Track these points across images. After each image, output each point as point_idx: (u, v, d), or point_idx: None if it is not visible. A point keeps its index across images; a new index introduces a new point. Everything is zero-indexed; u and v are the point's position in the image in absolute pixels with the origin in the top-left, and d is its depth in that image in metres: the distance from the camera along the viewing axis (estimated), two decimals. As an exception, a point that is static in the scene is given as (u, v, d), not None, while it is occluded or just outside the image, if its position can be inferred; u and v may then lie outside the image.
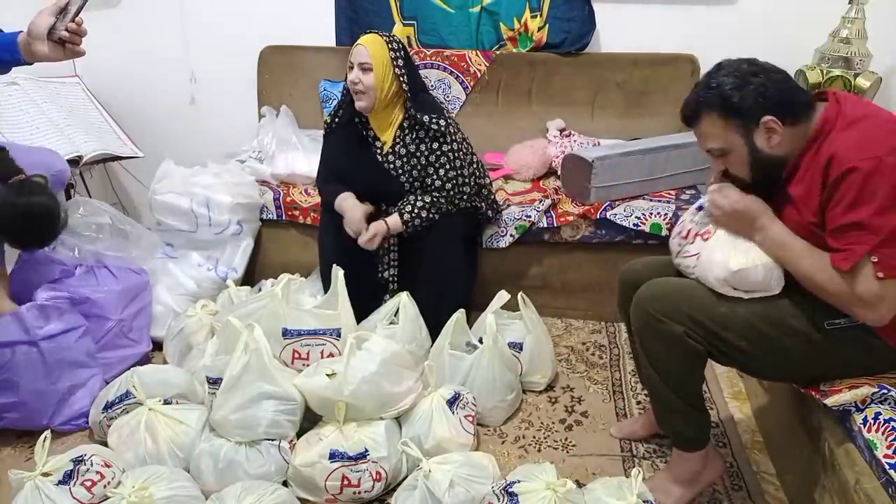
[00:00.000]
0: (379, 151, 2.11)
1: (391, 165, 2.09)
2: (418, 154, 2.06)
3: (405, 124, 2.06)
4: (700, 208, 1.52)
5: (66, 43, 1.44)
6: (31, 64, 1.76)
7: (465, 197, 2.11)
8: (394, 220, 2.05)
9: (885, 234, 1.21)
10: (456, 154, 2.06)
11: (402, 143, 2.07)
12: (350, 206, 2.07)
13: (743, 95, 1.31)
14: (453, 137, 2.06)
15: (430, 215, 2.05)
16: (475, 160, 2.20)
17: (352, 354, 1.70)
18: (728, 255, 1.39)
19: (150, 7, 3.00)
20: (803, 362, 1.39)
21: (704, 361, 1.45)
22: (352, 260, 2.05)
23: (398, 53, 2.01)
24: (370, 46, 1.97)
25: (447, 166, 2.05)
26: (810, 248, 1.32)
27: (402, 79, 2.00)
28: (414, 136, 2.05)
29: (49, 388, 1.84)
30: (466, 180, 2.10)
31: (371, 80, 1.97)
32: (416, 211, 2.04)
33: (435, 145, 2.03)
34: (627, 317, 1.59)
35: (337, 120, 2.15)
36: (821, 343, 1.35)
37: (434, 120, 2.02)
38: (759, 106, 1.30)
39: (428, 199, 2.05)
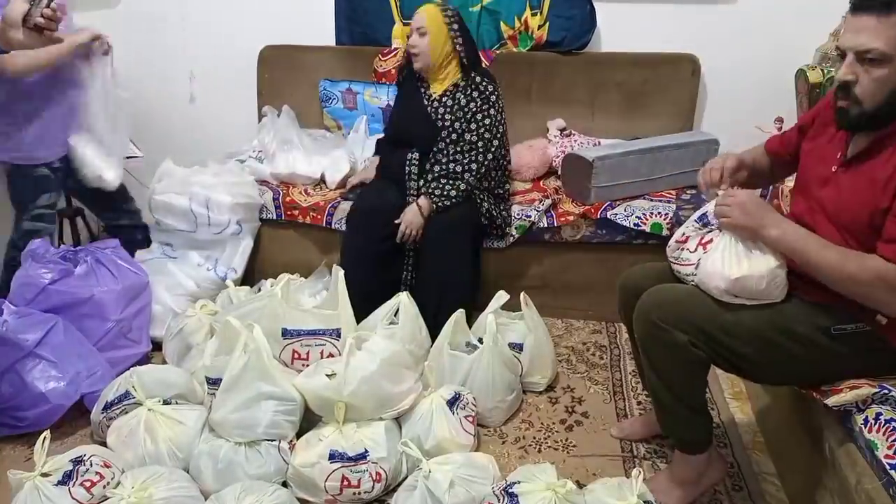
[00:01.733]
0: (426, 98, 2.26)
1: (434, 111, 2.24)
2: (465, 109, 2.19)
3: (461, 84, 2.22)
4: (702, 217, 1.50)
5: (42, 30, 1.43)
6: (7, 52, 1.75)
7: (478, 167, 2.17)
8: (424, 202, 2.14)
9: None
10: (494, 124, 2.20)
11: (450, 96, 2.22)
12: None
13: None
14: (499, 109, 2.22)
15: (456, 188, 2.15)
16: (506, 144, 2.32)
17: (351, 354, 1.69)
18: (728, 264, 1.37)
19: (149, 7, 3.00)
20: (809, 367, 1.38)
21: (708, 368, 1.45)
22: (376, 266, 2.14)
23: (452, 19, 2.20)
24: (427, 12, 2.19)
25: (484, 126, 2.18)
26: (826, 242, 1.29)
27: (456, 41, 2.18)
28: (468, 94, 2.20)
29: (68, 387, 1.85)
30: (492, 149, 2.20)
31: (426, 43, 2.16)
32: (442, 189, 2.15)
33: (485, 106, 2.18)
34: (628, 321, 1.59)
35: (401, 78, 2.38)
36: (827, 348, 1.35)
37: (490, 85, 2.20)
38: None
39: (444, 173, 2.17)
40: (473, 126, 2.18)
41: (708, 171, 1.53)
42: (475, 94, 2.19)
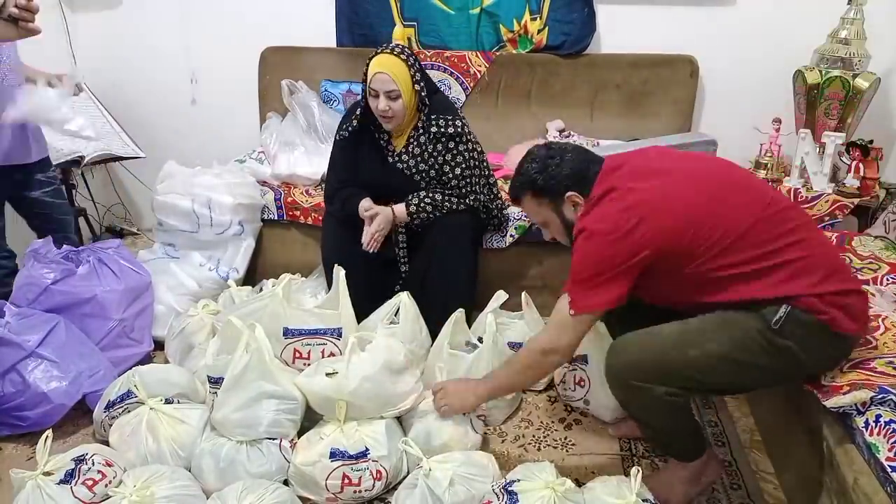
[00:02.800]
0: (391, 153, 2.13)
1: (404, 165, 2.11)
2: (434, 153, 2.08)
3: (420, 126, 2.09)
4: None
5: (18, 21, 1.41)
6: None
7: (477, 197, 2.13)
8: (399, 209, 2.09)
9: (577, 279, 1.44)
10: (471, 154, 2.10)
11: (415, 143, 2.09)
12: (376, 207, 2.09)
13: (545, 177, 1.54)
14: (468, 138, 2.10)
15: (437, 210, 2.08)
16: (485, 160, 2.22)
17: (354, 353, 1.70)
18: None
19: (151, 8, 3.01)
20: (780, 366, 1.41)
21: (690, 403, 1.56)
22: (357, 259, 2.07)
23: (414, 67, 2.01)
24: (393, 72, 1.95)
25: (462, 165, 2.08)
26: (502, 369, 1.70)
27: (421, 92, 2.02)
28: (429, 136, 2.07)
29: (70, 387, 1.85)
30: (478, 180, 2.14)
31: (400, 105, 1.99)
32: (422, 204, 2.08)
33: (451, 145, 2.07)
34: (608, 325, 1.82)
35: (350, 130, 2.13)
36: (783, 347, 1.36)
37: (451, 122, 2.06)
38: (560, 184, 1.53)
39: (438, 196, 2.09)
40: (448, 169, 2.08)
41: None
42: (438, 133, 2.05)
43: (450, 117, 2.06)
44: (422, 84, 2.03)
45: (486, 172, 2.21)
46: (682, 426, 1.53)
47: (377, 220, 2.07)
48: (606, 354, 1.52)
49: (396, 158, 2.12)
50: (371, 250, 2.09)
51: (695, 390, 1.48)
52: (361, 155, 2.16)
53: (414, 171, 2.11)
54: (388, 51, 2.00)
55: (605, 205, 1.44)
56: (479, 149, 2.16)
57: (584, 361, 1.92)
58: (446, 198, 2.10)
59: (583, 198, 1.51)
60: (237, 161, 2.70)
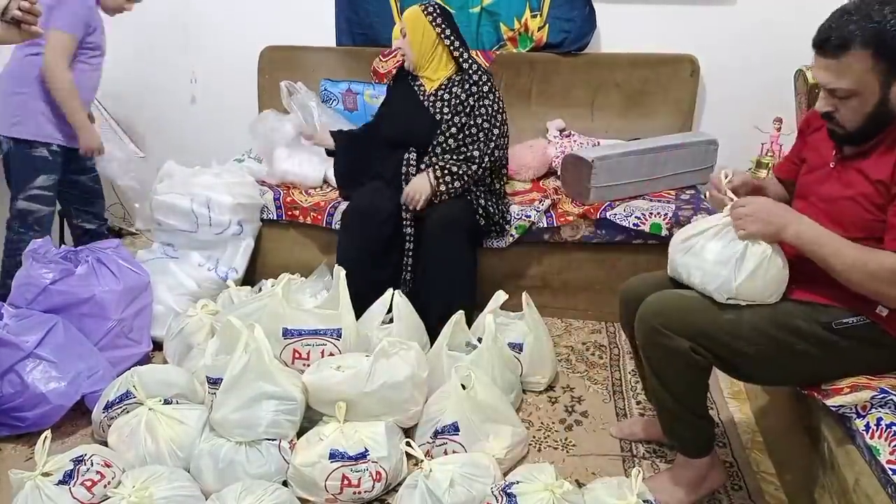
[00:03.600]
0: (422, 94, 2.29)
1: (432, 105, 2.26)
2: (463, 101, 2.21)
3: (455, 77, 2.26)
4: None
5: (20, 23, 1.41)
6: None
7: (480, 156, 2.17)
8: (431, 174, 2.16)
9: None
10: (494, 112, 2.22)
11: (447, 90, 2.25)
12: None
13: None
14: (496, 98, 2.24)
15: (459, 180, 2.15)
16: (506, 130, 2.30)
17: (382, 356, 1.72)
18: (729, 271, 1.37)
19: (151, 7, 3.00)
20: (811, 364, 1.39)
21: (709, 373, 1.46)
22: (372, 264, 2.14)
23: (434, 14, 2.23)
24: (407, 15, 2.25)
25: (484, 116, 2.20)
26: (843, 240, 1.30)
27: (442, 35, 2.22)
28: (463, 87, 2.22)
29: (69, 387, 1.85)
30: (489, 143, 2.20)
31: (407, 42, 2.24)
32: (445, 171, 2.14)
33: (479, 95, 2.20)
34: (629, 329, 1.60)
35: (393, 80, 2.42)
36: (830, 344, 1.35)
37: (481, 75, 2.23)
38: None
39: (450, 163, 2.15)
40: (473, 118, 2.19)
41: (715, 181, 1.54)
42: (471, 87, 2.20)
43: (485, 75, 2.24)
44: (448, 31, 2.23)
45: (503, 142, 2.28)
46: (694, 400, 1.48)
47: (413, 183, 2.16)
48: (640, 306, 1.47)
49: (425, 98, 2.28)
50: (415, 207, 2.15)
51: (718, 357, 1.40)
52: (396, 98, 2.39)
53: (438, 111, 2.24)
54: (418, 4, 2.26)
55: None
56: (501, 119, 2.25)
57: (455, 430, 1.71)
58: (462, 164, 2.15)
59: None
60: (236, 160, 2.70)
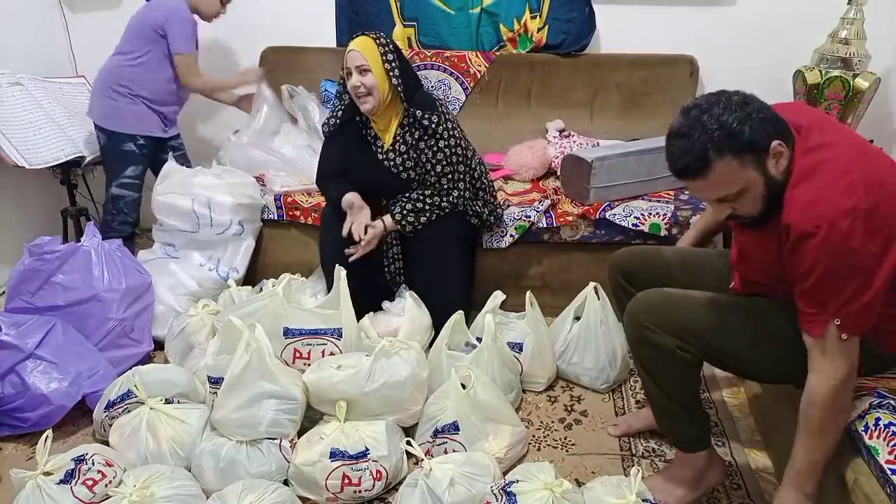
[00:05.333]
0: (380, 150, 2.12)
1: (391, 163, 2.11)
2: (417, 150, 2.08)
3: (404, 122, 2.08)
4: None
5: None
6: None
7: (461, 193, 2.11)
8: (388, 220, 2.09)
9: (845, 297, 1.19)
10: (452, 150, 2.08)
11: (401, 141, 2.09)
12: (360, 204, 2.10)
13: (751, 126, 1.20)
14: (450, 133, 2.07)
15: (423, 215, 2.07)
16: (475, 159, 2.20)
17: (383, 355, 1.72)
18: None
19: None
20: (799, 364, 1.39)
21: (699, 368, 1.48)
22: (354, 261, 2.06)
23: (387, 48, 2.02)
24: (361, 48, 1.99)
25: (443, 162, 2.07)
26: (801, 447, 1.33)
27: (391, 73, 2.01)
28: (413, 132, 2.07)
29: (70, 388, 1.86)
30: (462, 176, 2.11)
31: (371, 80, 1.99)
32: (404, 212, 2.07)
33: (431, 142, 2.06)
34: (616, 297, 1.78)
35: (336, 121, 2.15)
36: None
37: (427, 116, 2.03)
38: (765, 132, 1.22)
39: (419, 198, 2.07)
40: (429, 166, 2.07)
41: None
42: (420, 130, 2.05)
43: (427, 112, 2.04)
44: (394, 67, 2.01)
45: (472, 168, 2.18)
46: (687, 396, 1.49)
47: (367, 238, 2.05)
48: (630, 301, 1.51)
49: (385, 157, 2.11)
50: (352, 258, 2.06)
51: (706, 353, 1.42)
52: (351, 152, 2.17)
53: (401, 169, 2.10)
54: (363, 34, 2.04)
55: (824, 178, 1.20)
56: (462, 145, 2.12)
57: (455, 429, 1.72)
58: (429, 199, 2.08)
59: (787, 147, 1.24)
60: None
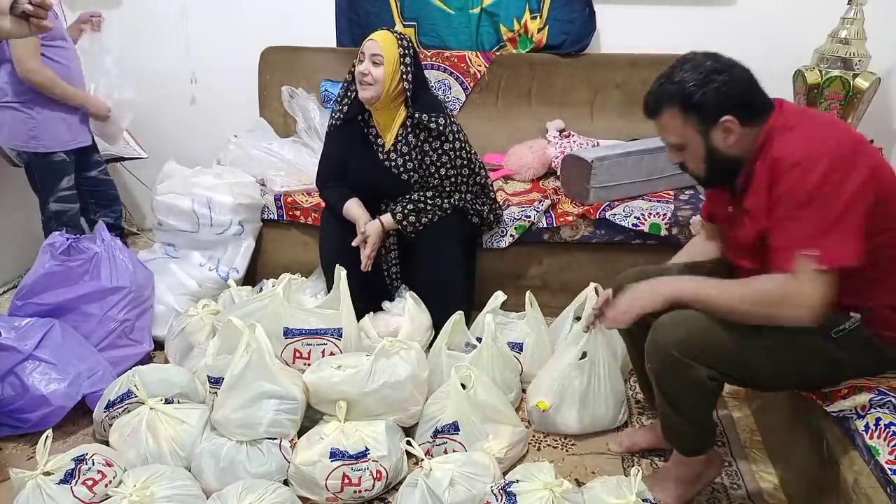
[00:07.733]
0: (381, 150, 2.12)
1: (392, 163, 2.10)
2: (421, 153, 2.07)
3: (408, 123, 2.07)
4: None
5: (30, 17, 1.41)
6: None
7: (462, 196, 2.11)
8: (387, 219, 2.08)
9: (824, 226, 1.21)
10: (457, 153, 2.07)
11: (403, 142, 2.08)
12: (361, 213, 2.09)
13: (704, 93, 1.30)
14: (456, 136, 2.07)
15: (425, 215, 2.06)
16: (477, 162, 2.20)
17: (383, 356, 1.72)
18: None
19: (151, 8, 3.01)
20: (820, 373, 1.40)
21: (720, 392, 1.46)
22: (354, 259, 2.06)
23: (407, 52, 2.02)
24: (382, 41, 1.99)
25: (447, 165, 2.06)
26: (720, 281, 1.35)
27: (406, 76, 2.01)
28: (417, 134, 2.07)
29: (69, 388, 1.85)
30: (465, 179, 2.11)
31: (381, 73, 1.98)
32: (406, 212, 2.06)
33: (436, 144, 2.05)
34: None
35: (341, 116, 2.14)
36: (833, 352, 1.35)
37: (434, 119, 2.03)
38: (719, 105, 1.30)
39: (420, 199, 2.07)
40: (433, 169, 2.06)
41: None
42: (424, 133, 2.05)
43: (434, 115, 2.03)
44: (409, 70, 2.01)
45: (475, 172, 2.17)
46: (703, 417, 1.47)
47: (371, 240, 2.05)
48: (652, 328, 1.41)
49: (385, 157, 2.11)
50: (366, 269, 2.06)
51: (735, 379, 1.41)
52: (352, 151, 2.15)
53: (402, 170, 2.10)
54: (388, 30, 2.05)
55: (805, 130, 1.27)
56: (467, 148, 2.12)
57: (455, 429, 1.71)
58: (431, 200, 2.07)
59: (740, 125, 1.32)
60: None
